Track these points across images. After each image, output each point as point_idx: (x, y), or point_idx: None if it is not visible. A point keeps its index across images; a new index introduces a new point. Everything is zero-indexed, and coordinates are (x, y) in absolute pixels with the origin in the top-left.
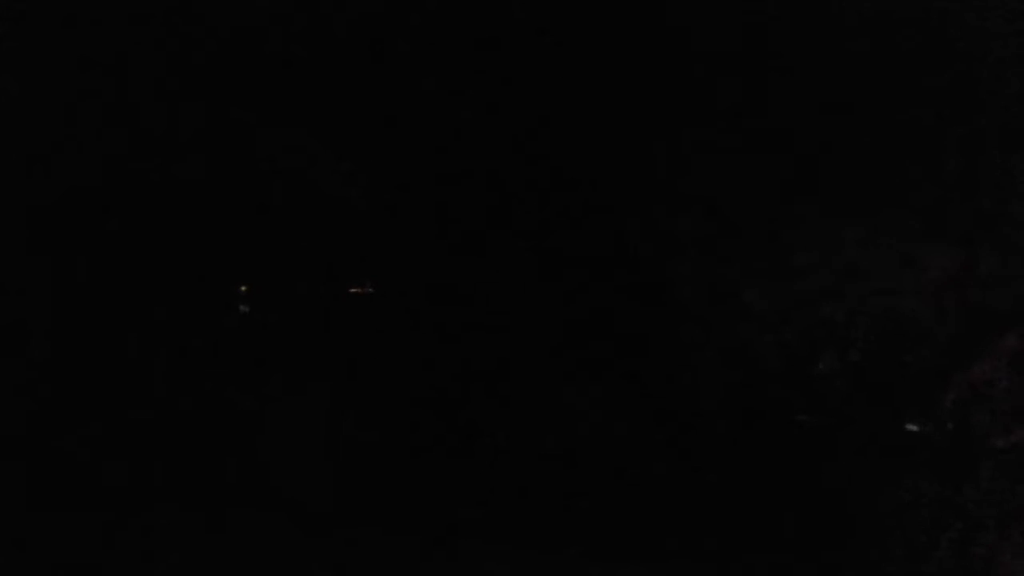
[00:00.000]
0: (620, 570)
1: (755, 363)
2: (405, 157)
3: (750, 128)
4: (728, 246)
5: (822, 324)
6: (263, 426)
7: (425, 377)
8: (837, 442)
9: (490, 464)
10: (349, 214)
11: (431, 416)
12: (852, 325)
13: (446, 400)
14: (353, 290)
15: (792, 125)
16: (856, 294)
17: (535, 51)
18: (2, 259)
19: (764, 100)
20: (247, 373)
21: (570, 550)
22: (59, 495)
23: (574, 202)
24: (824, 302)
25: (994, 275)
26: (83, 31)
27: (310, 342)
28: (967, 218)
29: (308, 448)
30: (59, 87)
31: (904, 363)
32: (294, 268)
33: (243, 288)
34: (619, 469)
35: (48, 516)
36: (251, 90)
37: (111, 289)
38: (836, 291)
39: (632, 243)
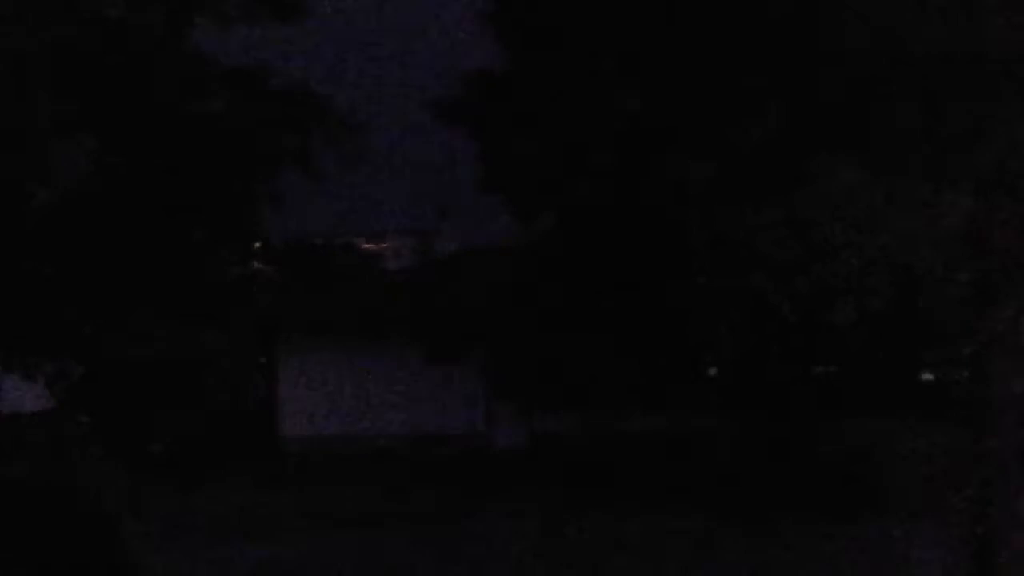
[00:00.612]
0: (630, 519)
1: (770, 312)
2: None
3: (769, 81)
4: (743, 196)
5: (838, 274)
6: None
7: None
8: (853, 391)
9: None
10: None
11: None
12: (868, 275)
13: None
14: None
15: (809, 80)
16: (872, 244)
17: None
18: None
19: (783, 56)
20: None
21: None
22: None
23: (590, 151)
24: (839, 252)
25: (1012, 222)
26: None
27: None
28: (983, 166)
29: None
30: None
31: (922, 312)
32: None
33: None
34: (631, 415)
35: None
36: None
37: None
38: (851, 241)
39: (646, 192)
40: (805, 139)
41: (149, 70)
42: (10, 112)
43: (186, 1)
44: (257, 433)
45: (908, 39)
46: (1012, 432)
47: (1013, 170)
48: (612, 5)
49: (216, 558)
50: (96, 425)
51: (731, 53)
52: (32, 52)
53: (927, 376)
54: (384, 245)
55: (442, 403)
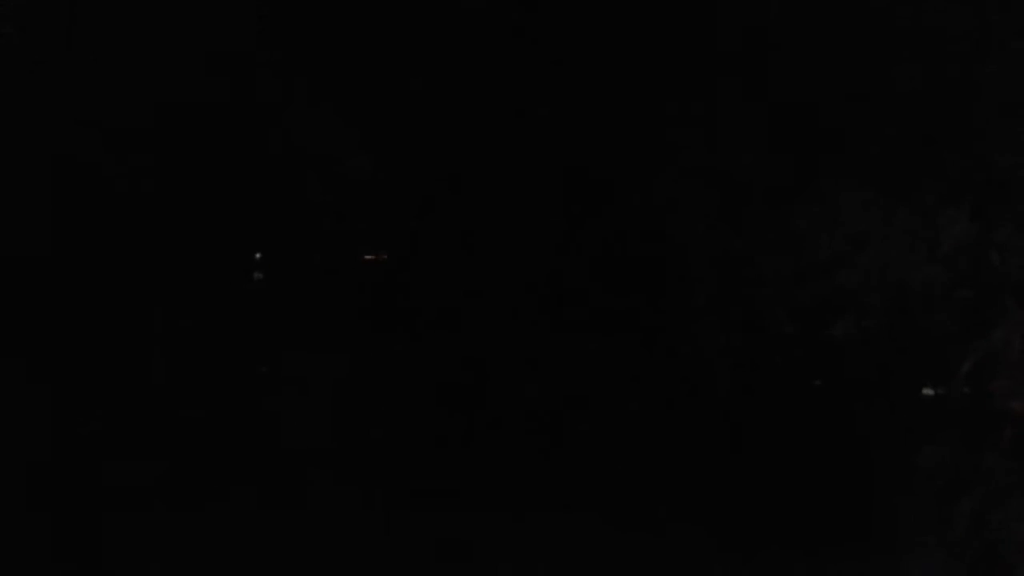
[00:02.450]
0: (632, 534)
1: (769, 330)
2: (415, 128)
3: (764, 97)
4: (740, 213)
5: (836, 291)
6: (276, 394)
7: (434, 345)
8: (852, 408)
9: (502, 432)
10: (361, 185)
11: (442, 384)
12: (866, 292)
13: (457, 370)
14: (368, 257)
15: (806, 93)
16: (871, 261)
17: (540, 24)
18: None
19: (777, 72)
20: (262, 342)
21: (582, 514)
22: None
23: (582, 172)
24: (838, 269)
25: (1010, 242)
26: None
27: (324, 311)
28: (982, 186)
29: (319, 414)
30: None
31: (919, 329)
32: (309, 238)
33: (258, 255)
34: (632, 436)
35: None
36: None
37: (125, 264)
38: (850, 258)
39: (642, 210)
40: (799, 154)
41: None
42: None
43: None
44: None
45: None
46: (1011, 450)
47: (1012, 191)
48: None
49: None
50: None
51: (724, 66)
52: None
53: (928, 392)
54: None
55: None
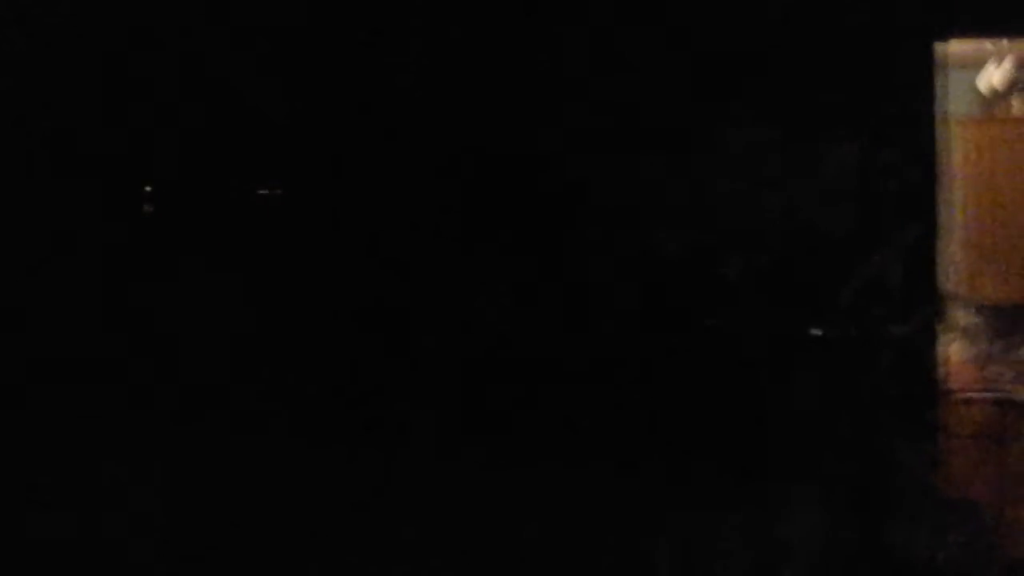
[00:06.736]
0: (522, 473)
1: (662, 266)
2: (319, 59)
3: (663, 30)
4: (637, 147)
5: (728, 228)
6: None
7: (337, 281)
8: (743, 345)
9: (408, 371)
10: (260, 115)
11: (348, 320)
12: (757, 229)
13: (361, 304)
14: (262, 191)
15: (704, 27)
16: (762, 197)
17: None
18: None
19: (681, 15)
20: (155, 272)
21: (475, 454)
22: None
23: (481, 99)
24: (730, 206)
25: (891, 166)
26: None
27: (219, 242)
28: (865, 113)
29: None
30: None
31: (809, 265)
32: (203, 168)
33: (147, 188)
34: (528, 372)
35: None
36: None
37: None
38: (742, 194)
39: (539, 142)
40: (696, 92)
41: None
42: None
43: None
44: None
45: None
46: (886, 375)
47: (892, 118)
48: None
49: None
50: None
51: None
52: None
53: (816, 332)
54: None
55: None
